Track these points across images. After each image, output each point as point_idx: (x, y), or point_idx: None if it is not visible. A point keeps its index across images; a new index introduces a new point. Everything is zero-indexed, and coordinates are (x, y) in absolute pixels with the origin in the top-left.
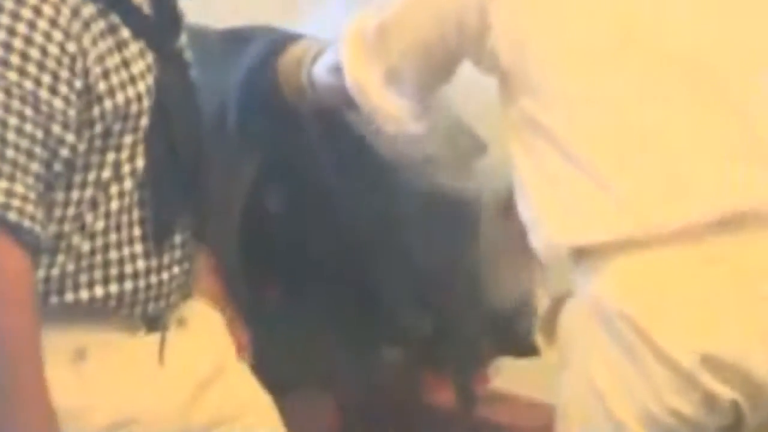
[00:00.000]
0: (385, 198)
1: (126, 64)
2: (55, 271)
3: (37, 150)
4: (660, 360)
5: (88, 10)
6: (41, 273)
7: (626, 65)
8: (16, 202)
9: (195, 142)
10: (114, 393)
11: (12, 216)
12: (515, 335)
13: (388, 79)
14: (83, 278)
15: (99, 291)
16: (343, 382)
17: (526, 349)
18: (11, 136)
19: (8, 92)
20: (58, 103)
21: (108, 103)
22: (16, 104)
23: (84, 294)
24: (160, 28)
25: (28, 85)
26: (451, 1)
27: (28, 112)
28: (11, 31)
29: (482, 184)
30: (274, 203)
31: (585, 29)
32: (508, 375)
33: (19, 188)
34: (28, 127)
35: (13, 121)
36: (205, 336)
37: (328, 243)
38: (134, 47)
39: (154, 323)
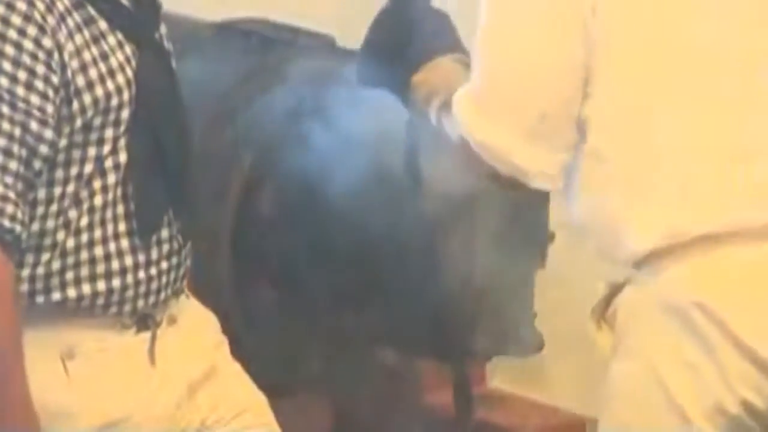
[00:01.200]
0: (378, 206)
1: (104, 56)
2: (41, 270)
3: (15, 148)
4: (738, 351)
5: (62, 4)
6: (26, 272)
7: (692, 75)
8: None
9: (179, 134)
10: (104, 393)
11: None
12: (514, 335)
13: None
14: (70, 276)
15: (86, 289)
16: (337, 383)
17: (525, 348)
18: None
19: None
20: (35, 99)
21: (87, 97)
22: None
23: (71, 292)
24: (139, 19)
25: (4, 82)
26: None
27: (5, 109)
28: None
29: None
30: (268, 204)
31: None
32: (506, 375)
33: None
34: (5, 125)
35: None
36: (197, 334)
37: (321, 247)
38: (112, 39)
39: (144, 321)
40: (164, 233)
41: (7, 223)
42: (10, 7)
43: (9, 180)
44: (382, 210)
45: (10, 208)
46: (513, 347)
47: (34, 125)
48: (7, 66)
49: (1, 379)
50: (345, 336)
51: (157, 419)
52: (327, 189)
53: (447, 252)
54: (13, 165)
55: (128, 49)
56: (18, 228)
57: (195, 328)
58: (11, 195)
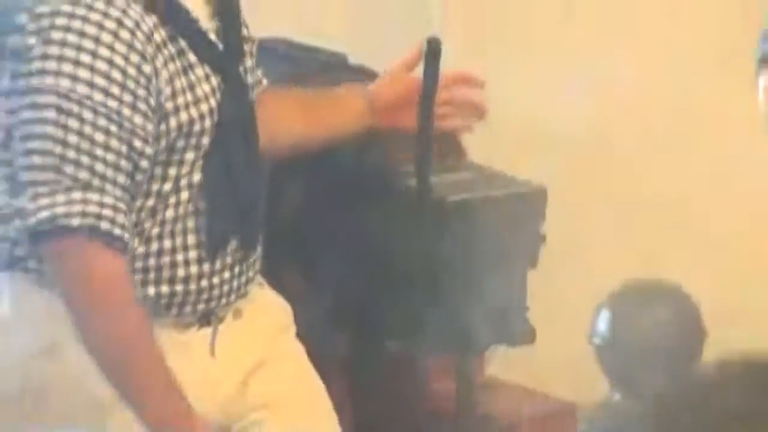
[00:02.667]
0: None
1: (191, 86)
2: None
3: (123, 163)
4: None
5: (159, 36)
6: None
7: None
8: (107, 213)
9: (252, 159)
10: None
11: (105, 225)
12: (510, 326)
13: None
14: (137, 278)
15: (151, 291)
16: (355, 372)
17: (519, 338)
18: (99, 151)
19: (95, 111)
20: (138, 119)
21: (173, 121)
22: (102, 122)
23: (136, 293)
24: (225, 55)
25: (113, 103)
26: None
27: (113, 128)
28: (94, 55)
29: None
30: (290, 199)
31: None
32: (503, 364)
33: (108, 200)
34: (114, 143)
35: (100, 137)
36: (260, 323)
37: (338, 247)
38: (200, 71)
39: (207, 318)
40: (230, 245)
41: (118, 231)
42: (116, 35)
43: (119, 192)
44: (394, 219)
45: (120, 218)
46: (508, 339)
47: (137, 143)
48: (115, 90)
49: (138, 357)
50: (362, 330)
51: (218, 407)
52: (347, 195)
53: (451, 256)
54: (121, 179)
55: (214, 80)
56: (126, 236)
57: (259, 318)
58: (121, 206)
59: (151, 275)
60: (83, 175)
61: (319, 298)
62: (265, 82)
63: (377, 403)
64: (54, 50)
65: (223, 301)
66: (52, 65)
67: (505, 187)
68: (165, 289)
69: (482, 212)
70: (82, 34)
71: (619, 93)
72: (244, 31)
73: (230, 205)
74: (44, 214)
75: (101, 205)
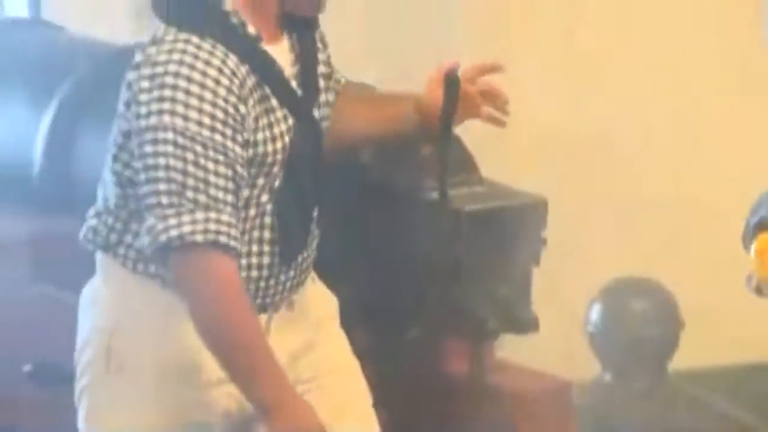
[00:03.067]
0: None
1: (270, 125)
2: None
3: (230, 185)
4: None
5: (250, 81)
6: None
7: None
8: (224, 228)
9: (319, 186)
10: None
11: (222, 239)
12: (516, 316)
13: None
14: None
15: None
16: (379, 356)
17: (524, 327)
18: (212, 178)
19: (205, 145)
20: (238, 149)
21: (252, 152)
22: (212, 153)
23: None
24: (302, 100)
25: (218, 138)
26: None
27: (221, 158)
28: (201, 98)
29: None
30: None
31: None
32: (510, 348)
33: (224, 217)
34: (222, 170)
35: (211, 166)
36: (308, 312)
37: (369, 250)
38: (279, 113)
39: (264, 308)
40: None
41: (233, 243)
42: (217, 81)
43: (230, 210)
44: (419, 225)
45: (233, 231)
46: (515, 327)
47: (239, 169)
48: (219, 126)
49: (259, 353)
50: (387, 318)
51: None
52: (378, 205)
53: (466, 257)
54: (230, 198)
55: (290, 121)
56: (238, 246)
57: (310, 307)
58: (233, 221)
59: None
60: (202, 198)
61: (352, 295)
62: (343, 80)
63: (400, 385)
64: (167, 93)
65: (282, 295)
66: (167, 106)
67: (512, 198)
68: None
69: (492, 220)
70: (189, 80)
71: (621, 96)
72: (322, 68)
73: (298, 224)
74: (174, 232)
75: (218, 222)
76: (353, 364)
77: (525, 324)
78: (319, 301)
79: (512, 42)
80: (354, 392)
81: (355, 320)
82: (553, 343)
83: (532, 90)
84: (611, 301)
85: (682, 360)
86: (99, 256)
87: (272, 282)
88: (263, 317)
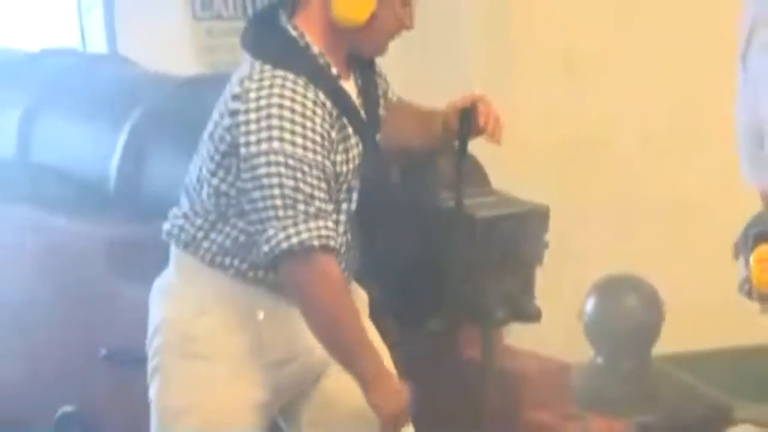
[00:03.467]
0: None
1: (346, 150)
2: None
3: (328, 198)
4: None
5: (334, 113)
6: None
7: None
8: (331, 233)
9: (382, 200)
10: (282, 339)
11: (331, 243)
12: (522, 308)
13: None
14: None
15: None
16: (403, 342)
17: (529, 317)
18: (317, 192)
19: (309, 165)
20: (329, 167)
21: (333, 171)
22: (315, 172)
23: (269, 275)
24: (368, 127)
25: (319, 158)
26: None
27: (321, 175)
28: (303, 126)
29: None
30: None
31: None
32: (516, 335)
33: (330, 224)
34: (323, 185)
35: (315, 182)
36: None
37: (395, 252)
38: (353, 140)
39: None
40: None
41: (332, 243)
42: (314, 112)
43: (331, 217)
44: (438, 230)
45: (335, 235)
46: (521, 317)
47: (333, 183)
48: (318, 149)
49: (358, 332)
50: (410, 311)
51: (314, 355)
52: (403, 213)
53: (479, 257)
54: (329, 208)
55: (359, 146)
56: (337, 248)
57: None
58: (334, 226)
59: None
60: (311, 209)
61: (380, 291)
62: (395, 98)
63: (421, 368)
64: (275, 123)
65: None
66: (276, 134)
67: (518, 206)
68: None
69: (502, 225)
70: (293, 111)
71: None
72: (380, 91)
73: (352, 231)
74: (294, 240)
75: (327, 228)
76: (384, 350)
77: (529, 315)
78: (353, 295)
79: (515, 54)
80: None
81: (382, 313)
82: (554, 331)
83: (533, 97)
84: (603, 296)
85: (663, 346)
86: (175, 251)
87: None
88: None
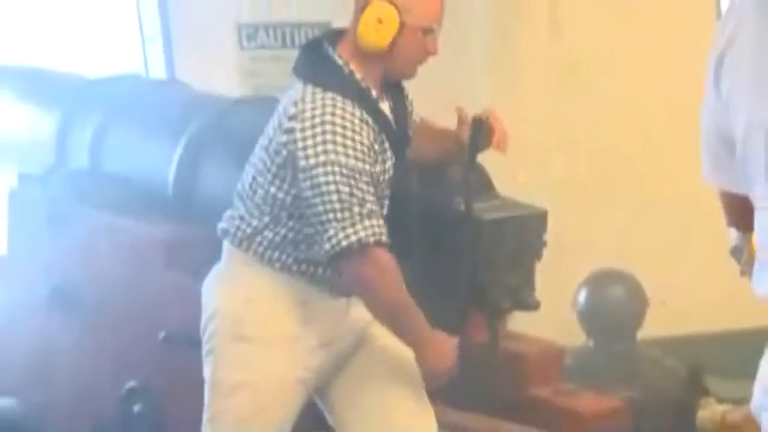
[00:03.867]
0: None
1: (384, 161)
2: (312, 256)
3: (375, 200)
4: None
5: (375, 130)
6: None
7: None
8: (382, 230)
9: (409, 205)
10: (319, 326)
11: (384, 238)
12: (523, 298)
13: None
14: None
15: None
16: None
17: (529, 306)
18: (367, 196)
19: (360, 173)
20: (375, 175)
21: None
22: (364, 178)
23: (310, 269)
24: (400, 142)
25: (367, 167)
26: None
27: (369, 180)
28: (353, 140)
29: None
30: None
31: None
32: (518, 322)
33: (380, 221)
34: (371, 189)
35: (365, 187)
36: None
37: (414, 250)
38: (389, 152)
39: (348, 294)
40: None
41: (384, 239)
42: (361, 128)
43: (379, 216)
44: (450, 231)
45: (386, 232)
46: (522, 306)
47: (376, 189)
48: (367, 159)
49: (416, 319)
50: (427, 301)
51: (352, 336)
52: (421, 216)
53: (486, 255)
54: (376, 208)
55: (393, 158)
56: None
57: None
58: (382, 223)
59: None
60: (364, 211)
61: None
62: (418, 119)
63: None
64: (329, 138)
65: None
66: (331, 147)
67: (521, 210)
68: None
69: (506, 227)
70: (344, 127)
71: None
72: (408, 112)
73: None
74: (353, 238)
75: (378, 226)
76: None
77: (530, 305)
78: None
79: (521, 69)
80: (401, 348)
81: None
82: (551, 319)
83: (536, 106)
84: (594, 287)
85: (646, 331)
86: (229, 248)
87: None
88: (344, 300)
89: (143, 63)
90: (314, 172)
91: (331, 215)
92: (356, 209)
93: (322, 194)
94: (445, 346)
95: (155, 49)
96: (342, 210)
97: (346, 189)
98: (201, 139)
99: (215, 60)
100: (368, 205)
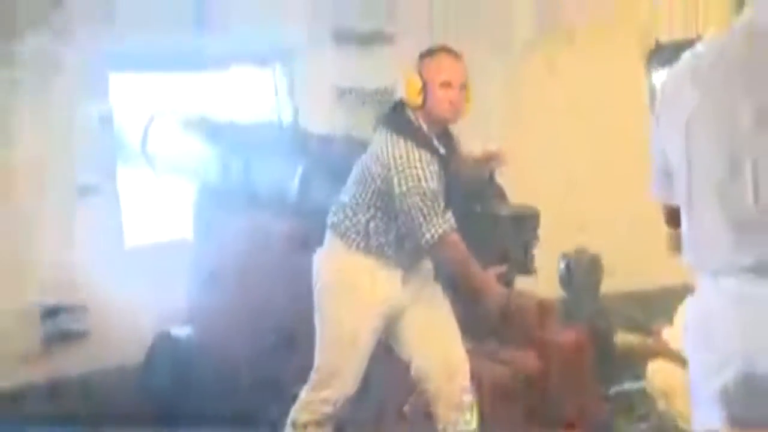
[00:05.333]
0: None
1: (431, 169)
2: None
3: (443, 202)
4: None
5: (436, 165)
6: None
7: None
8: (453, 222)
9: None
10: (384, 288)
11: (455, 226)
12: (525, 267)
13: None
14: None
15: (389, 252)
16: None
17: (529, 272)
18: (440, 202)
19: (434, 192)
20: (437, 190)
21: None
22: (434, 194)
23: (381, 249)
24: (448, 156)
25: (436, 187)
26: None
27: (439, 196)
28: (425, 170)
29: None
30: None
31: None
32: (522, 282)
33: (450, 215)
34: (439, 198)
35: (438, 198)
36: (422, 274)
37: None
38: (444, 180)
39: (404, 268)
40: None
41: (455, 227)
42: (430, 164)
43: (449, 213)
44: (479, 223)
45: (454, 221)
46: (525, 272)
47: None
48: (435, 181)
49: (480, 275)
50: None
51: (398, 303)
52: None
53: (502, 238)
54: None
55: (440, 167)
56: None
57: (422, 271)
58: (452, 217)
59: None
60: (440, 211)
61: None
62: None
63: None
64: (413, 171)
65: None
66: (418, 174)
67: (524, 209)
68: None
69: (515, 220)
70: (421, 161)
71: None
72: (455, 149)
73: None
74: (441, 230)
75: (450, 219)
76: (446, 303)
77: (529, 271)
78: (424, 267)
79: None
80: (440, 306)
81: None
82: (543, 281)
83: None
84: (569, 261)
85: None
86: (330, 234)
87: None
88: (400, 270)
89: (277, 111)
90: (408, 193)
91: (421, 219)
92: (439, 211)
93: (415, 205)
94: (499, 290)
95: (283, 99)
96: (429, 213)
97: (429, 201)
98: (313, 165)
99: (321, 107)
100: (442, 208)
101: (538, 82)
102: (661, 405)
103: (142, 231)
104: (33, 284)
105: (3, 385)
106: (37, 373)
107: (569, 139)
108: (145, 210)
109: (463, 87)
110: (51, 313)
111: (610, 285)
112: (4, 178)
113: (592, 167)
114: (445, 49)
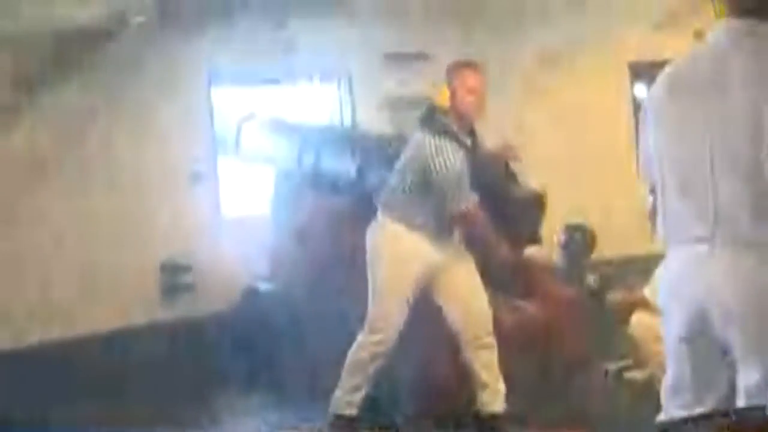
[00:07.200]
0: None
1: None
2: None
3: (468, 182)
4: None
5: (462, 156)
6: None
7: None
8: (477, 197)
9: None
10: (418, 252)
11: (477, 201)
12: (534, 237)
13: None
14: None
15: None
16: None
17: (536, 241)
18: (463, 184)
19: (459, 174)
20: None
21: None
22: (457, 178)
23: (417, 220)
24: (477, 162)
25: (461, 171)
26: None
27: (462, 179)
28: (454, 158)
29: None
30: None
31: None
32: (532, 250)
33: (475, 195)
34: (464, 180)
35: (464, 178)
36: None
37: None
38: (468, 169)
39: (438, 237)
40: None
41: (477, 200)
42: (457, 154)
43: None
44: (500, 203)
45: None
46: (532, 241)
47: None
48: (462, 167)
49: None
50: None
51: (431, 262)
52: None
53: (519, 214)
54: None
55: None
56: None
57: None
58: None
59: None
60: (466, 189)
61: None
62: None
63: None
64: (443, 161)
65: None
66: (447, 163)
67: (534, 192)
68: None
69: (526, 200)
70: (451, 151)
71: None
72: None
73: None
74: (465, 205)
75: (473, 195)
76: (473, 265)
77: (536, 240)
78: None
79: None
80: (471, 265)
81: None
82: (546, 247)
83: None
84: (566, 233)
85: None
86: (381, 212)
87: None
88: (434, 238)
89: (339, 113)
90: (443, 178)
91: (452, 194)
92: (465, 187)
93: (448, 186)
94: (507, 252)
95: (346, 107)
96: (458, 190)
97: (458, 180)
98: (366, 158)
99: (374, 111)
100: (467, 186)
101: (544, 91)
102: (642, 349)
103: (235, 207)
104: (154, 247)
105: (128, 324)
106: (155, 317)
107: (569, 138)
108: (238, 190)
109: (483, 92)
110: (166, 269)
111: (601, 252)
112: (137, 169)
113: (588, 160)
114: (469, 62)
